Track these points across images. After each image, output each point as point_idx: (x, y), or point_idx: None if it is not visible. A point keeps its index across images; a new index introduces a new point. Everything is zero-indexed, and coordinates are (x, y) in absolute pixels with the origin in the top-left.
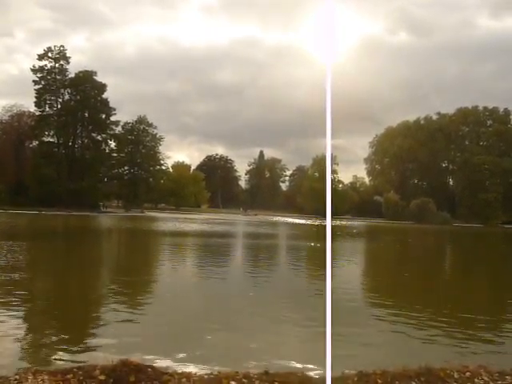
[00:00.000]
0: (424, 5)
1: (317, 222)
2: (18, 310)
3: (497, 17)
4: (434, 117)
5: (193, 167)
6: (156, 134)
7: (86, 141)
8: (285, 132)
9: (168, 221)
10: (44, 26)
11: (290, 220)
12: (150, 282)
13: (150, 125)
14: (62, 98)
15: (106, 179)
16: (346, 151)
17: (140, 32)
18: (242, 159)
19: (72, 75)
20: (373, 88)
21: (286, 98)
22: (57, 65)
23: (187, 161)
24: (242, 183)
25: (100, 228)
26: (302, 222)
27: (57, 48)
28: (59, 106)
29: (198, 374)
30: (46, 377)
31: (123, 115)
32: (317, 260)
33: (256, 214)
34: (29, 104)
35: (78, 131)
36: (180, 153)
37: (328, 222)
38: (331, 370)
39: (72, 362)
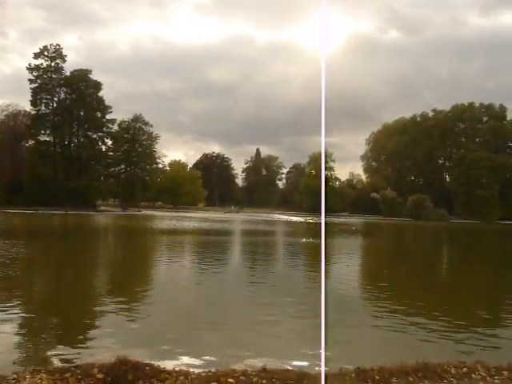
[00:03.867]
0: (416, 4)
1: (310, 219)
2: None
3: (487, 14)
4: (430, 113)
5: (189, 165)
6: (152, 132)
7: (82, 139)
8: (280, 129)
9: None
10: (37, 25)
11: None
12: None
13: (146, 123)
14: (58, 97)
15: (102, 178)
16: (342, 148)
17: (133, 31)
18: (238, 157)
19: (67, 74)
20: (367, 85)
21: (281, 95)
22: (53, 63)
23: (183, 159)
24: (239, 181)
25: (97, 227)
26: (294, 219)
27: (53, 47)
28: (55, 105)
29: (196, 372)
30: (44, 375)
31: (118, 114)
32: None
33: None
34: (23, 103)
35: (74, 130)
36: (176, 151)
37: (322, 219)
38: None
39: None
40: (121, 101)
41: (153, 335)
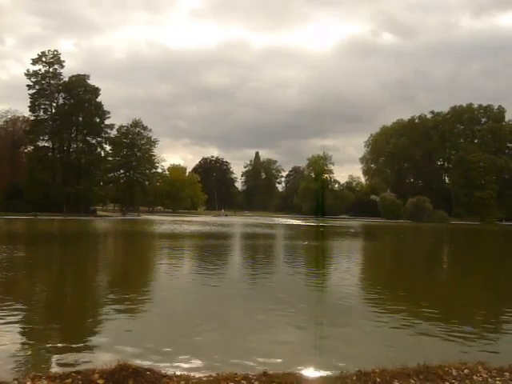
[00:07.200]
0: (412, 7)
1: (304, 222)
2: None
3: (483, 17)
4: (429, 115)
5: (188, 169)
6: (151, 136)
7: (80, 145)
8: (277, 133)
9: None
10: (33, 31)
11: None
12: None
13: (145, 128)
14: (57, 103)
15: (101, 183)
16: (341, 151)
17: (129, 36)
18: (237, 160)
19: (66, 79)
20: (365, 88)
21: (279, 98)
22: (51, 69)
23: (182, 163)
24: (239, 184)
25: (97, 233)
26: (292, 221)
27: (50, 52)
28: (54, 111)
29: (197, 376)
30: (44, 381)
31: (114, 119)
32: None
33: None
34: (22, 109)
35: (72, 135)
36: (174, 155)
37: (318, 222)
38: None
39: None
40: (117, 106)
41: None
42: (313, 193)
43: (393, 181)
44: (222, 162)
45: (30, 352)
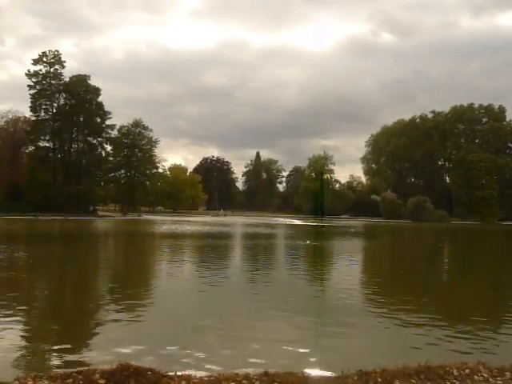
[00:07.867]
0: (411, 7)
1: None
2: None
3: (482, 17)
4: (429, 115)
5: (189, 170)
6: (152, 137)
7: (81, 145)
8: (277, 133)
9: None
10: (33, 32)
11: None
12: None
13: (146, 128)
14: (58, 103)
15: (102, 183)
16: (341, 151)
17: (129, 36)
18: (237, 160)
19: (66, 79)
20: (363, 88)
21: (278, 98)
22: (52, 69)
23: (182, 163)
24: (239, 184)
25: (97, 232)
26: (294, 221)
27: (51, 53)
28: (54, 111)
29: (198, 376)
30: (45, 381)
31: (115, 119)
32: None
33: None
34: (22, 109)
35: (73, 135)
36: (174, 155)
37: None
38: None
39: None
40: (117, 106)
41: None
42: (313, 192)
43: (393, 181)
44: (223, 161)
45: (30, 352)
